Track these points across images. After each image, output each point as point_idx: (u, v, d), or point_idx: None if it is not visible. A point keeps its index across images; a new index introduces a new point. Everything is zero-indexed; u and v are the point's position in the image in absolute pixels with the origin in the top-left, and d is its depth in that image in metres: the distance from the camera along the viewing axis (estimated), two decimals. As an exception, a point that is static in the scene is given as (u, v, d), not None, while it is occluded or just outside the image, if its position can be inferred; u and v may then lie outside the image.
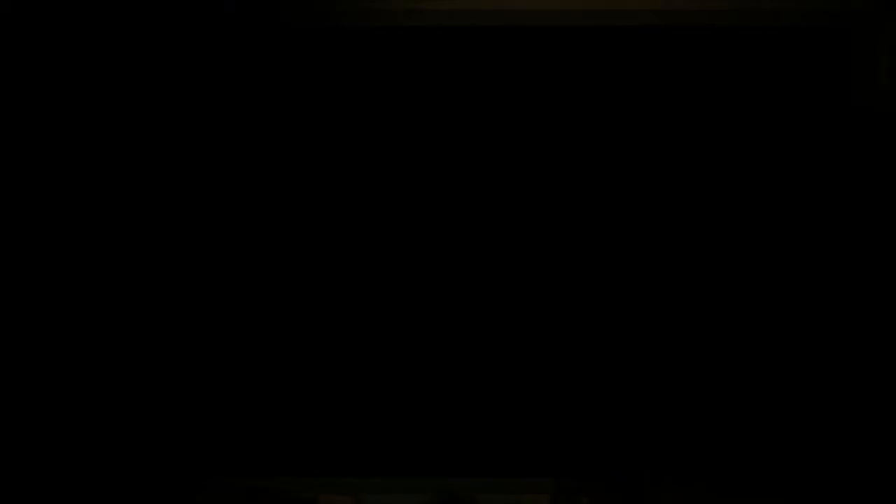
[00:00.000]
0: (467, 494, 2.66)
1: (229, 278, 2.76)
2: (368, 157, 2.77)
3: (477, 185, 2.77)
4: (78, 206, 2.73)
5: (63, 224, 2.73)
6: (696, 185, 2.75)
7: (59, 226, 2.72)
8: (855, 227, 2.73)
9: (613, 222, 2.75)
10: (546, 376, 2.78)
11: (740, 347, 2.75)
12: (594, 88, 2.76)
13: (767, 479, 2.69)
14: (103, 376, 2.74)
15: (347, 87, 2.76)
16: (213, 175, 2.76)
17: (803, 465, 2.70)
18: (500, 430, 2.78)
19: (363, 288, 2.77)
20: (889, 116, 2.70)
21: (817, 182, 2.74)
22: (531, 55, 2.75)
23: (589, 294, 2.77)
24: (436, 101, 2.76)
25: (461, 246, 2.77)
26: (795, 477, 2.69)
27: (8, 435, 2.70)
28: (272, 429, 2.78)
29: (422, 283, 2.77)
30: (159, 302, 2.75)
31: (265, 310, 2.77)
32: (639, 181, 2.75)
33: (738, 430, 2.74)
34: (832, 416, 2.71)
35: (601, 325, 2.77)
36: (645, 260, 2.76)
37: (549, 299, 2.77)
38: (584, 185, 2.76)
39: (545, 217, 2.76)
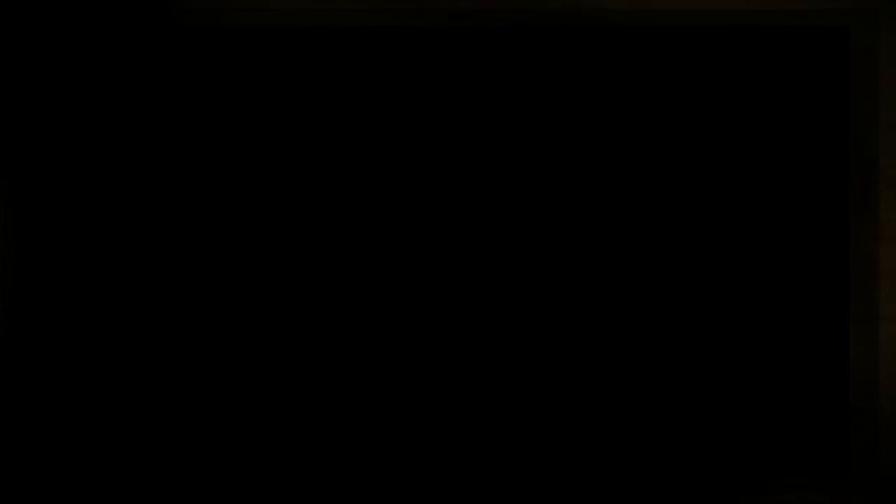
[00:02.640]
0: None
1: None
2: (364, 160, 2.76)
3: (471, 189, 2.76)
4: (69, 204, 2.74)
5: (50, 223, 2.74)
6: (692, 188, 2.73)
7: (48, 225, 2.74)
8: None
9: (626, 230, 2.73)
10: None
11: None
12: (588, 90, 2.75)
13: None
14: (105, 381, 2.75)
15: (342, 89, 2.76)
16: (212, 176, 2.77)
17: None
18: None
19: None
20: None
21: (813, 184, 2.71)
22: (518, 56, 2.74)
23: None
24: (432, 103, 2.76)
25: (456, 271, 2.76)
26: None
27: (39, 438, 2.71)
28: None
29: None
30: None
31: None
32: (635, 184, 2.73)
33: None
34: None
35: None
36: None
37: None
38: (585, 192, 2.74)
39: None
